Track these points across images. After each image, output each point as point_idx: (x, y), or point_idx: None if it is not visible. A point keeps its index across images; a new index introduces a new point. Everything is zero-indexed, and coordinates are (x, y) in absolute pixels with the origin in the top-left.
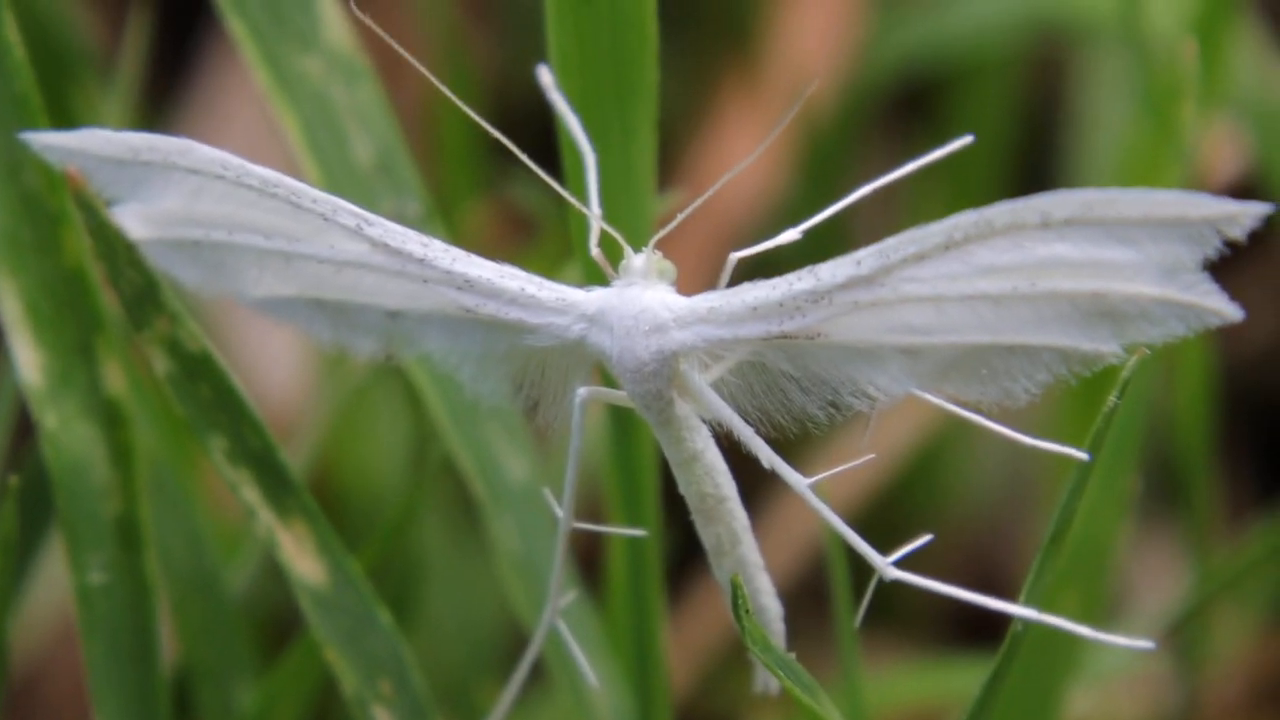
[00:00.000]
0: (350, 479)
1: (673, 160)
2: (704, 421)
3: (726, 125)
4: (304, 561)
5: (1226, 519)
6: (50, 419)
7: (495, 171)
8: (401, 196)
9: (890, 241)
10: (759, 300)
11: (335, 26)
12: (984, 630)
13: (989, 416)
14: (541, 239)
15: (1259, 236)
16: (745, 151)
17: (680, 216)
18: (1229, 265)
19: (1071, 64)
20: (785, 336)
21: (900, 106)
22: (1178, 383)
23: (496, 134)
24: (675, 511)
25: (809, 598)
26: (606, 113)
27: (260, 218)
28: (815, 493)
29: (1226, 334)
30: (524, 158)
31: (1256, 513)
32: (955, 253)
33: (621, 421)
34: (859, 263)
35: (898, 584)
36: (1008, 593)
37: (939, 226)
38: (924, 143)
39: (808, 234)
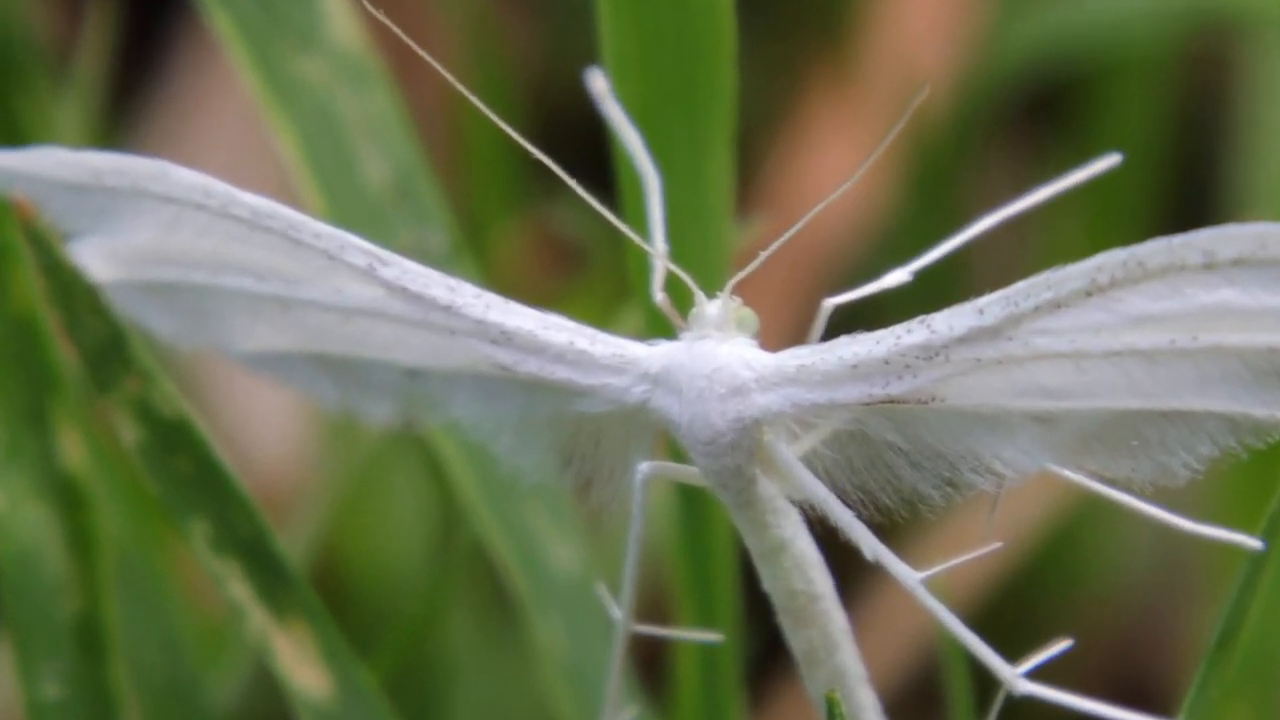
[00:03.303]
0: (361, 570)
1: (753, 182)
2: (793, 503)
3: (817, 137)
4: (305, 670)
5: None
6: None
7: (536, 196)
8: (423, 227)
9: (1020, 286)
10: (860, 357)
11: (341, 21)
12: None
13: (1139, 495)
14: (592, 279)
15: None
16: (841, 169)
17: (764, 254)
18: None
19: (1236, 59)
20: (892, 401)
21: (1029, 112)
22: None
23: (535, 152)
24: (757, 611)
25: (920, 711)
26: (672, 124)
27: (251, 255)
28: (929, 589)
29: None
30: (569, 181)
31: None
32: (1100, 299)
33: (692, 503)
34: (982, 311)
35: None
36: (1162, 706)
37: (1080, 268)
38: (1058, 156)
39: (919, 275)
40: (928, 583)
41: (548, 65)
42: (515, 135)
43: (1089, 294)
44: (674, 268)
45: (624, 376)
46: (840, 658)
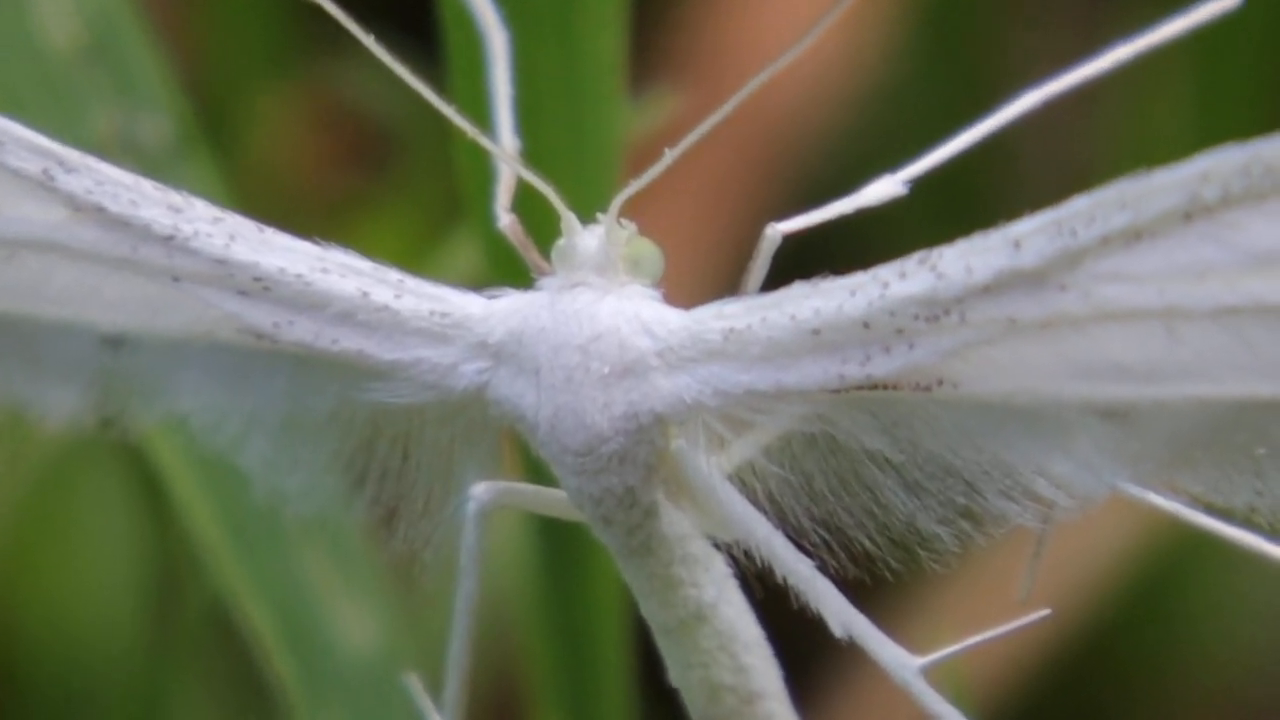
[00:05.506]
0: (39, 642)
1: (660, 40)
2: (718, 548)
3: None
4: None
5: None
6: None
7: (317, 59)
8: (131, 107)
9: (1079, 205)
10: (825, 317)
11: None
12: None
13: (1266, 532)
14: (403, 190)
15: None
16: (801, 18)
17: (674, 152)
18: None
19: None
20: (876, 385)
21: None
22: None
23: None
24: (662, 714)
25: None
26: None
27: None
28: (931, 682)
29: None
30: (365, 38)
31: None
32: (1206, 225)
33: (558, 548)
34: (1018, 244)
35: None
36: None
37: (1174, 176)
38: None
39: (919, 185)
40: (929, 672)
41: None
42: None
43: (1188, 216)
44: (530, 175)
45: (448, 347)
46: None
